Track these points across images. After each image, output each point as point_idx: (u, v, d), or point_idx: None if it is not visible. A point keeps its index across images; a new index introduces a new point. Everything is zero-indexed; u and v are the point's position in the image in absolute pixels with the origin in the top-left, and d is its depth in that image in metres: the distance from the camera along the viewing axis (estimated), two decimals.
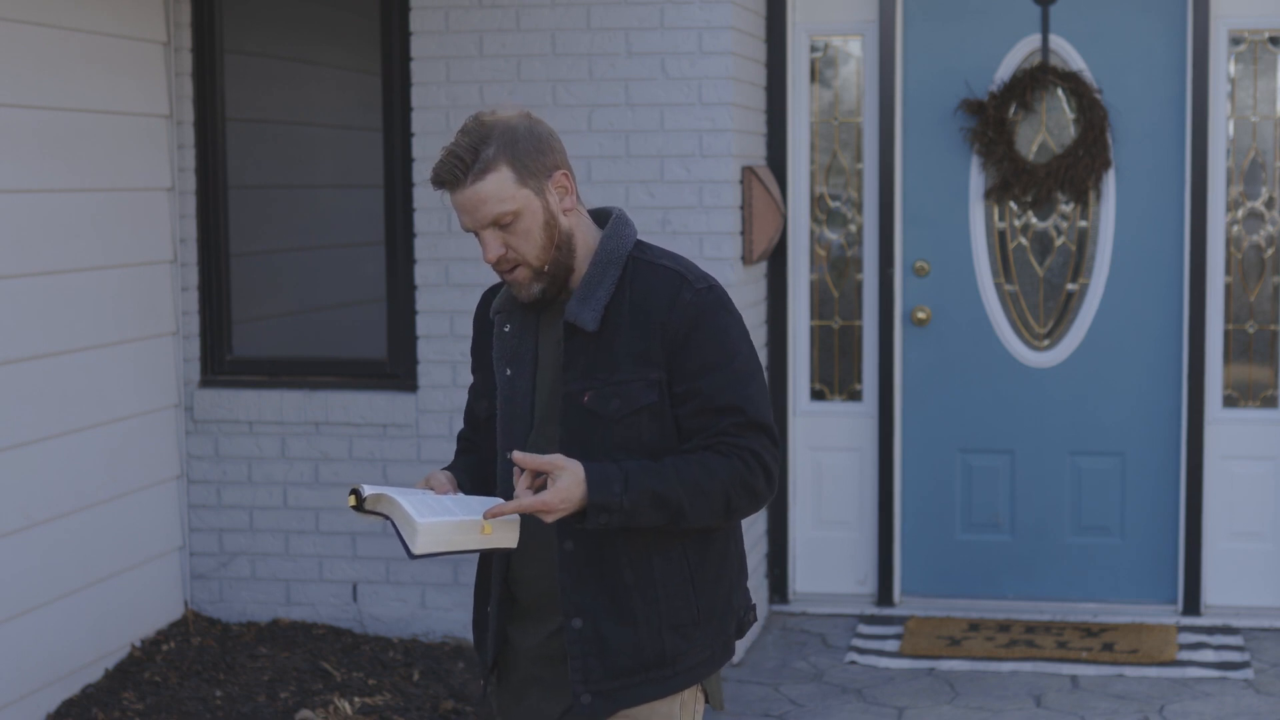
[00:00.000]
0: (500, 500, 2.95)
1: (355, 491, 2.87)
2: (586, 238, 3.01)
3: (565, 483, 2.80)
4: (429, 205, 6.02)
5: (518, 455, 2.82)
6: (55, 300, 5.39)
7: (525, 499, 2.80)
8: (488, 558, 3.12)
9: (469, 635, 6.09)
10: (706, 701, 3.12)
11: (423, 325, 6.07)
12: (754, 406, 2.95)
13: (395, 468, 6.09)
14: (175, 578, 6.14)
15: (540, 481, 2.84)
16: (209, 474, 6.21)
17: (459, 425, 6.04)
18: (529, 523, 2.95)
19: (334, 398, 6.12)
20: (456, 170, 2.91)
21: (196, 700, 5.37)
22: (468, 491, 3.08)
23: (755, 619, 3.18)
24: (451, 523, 2.83)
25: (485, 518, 2.83)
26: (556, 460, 2.82)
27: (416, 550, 2.80)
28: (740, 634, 3.13)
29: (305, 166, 6.54)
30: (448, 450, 6.03)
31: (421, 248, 6.04)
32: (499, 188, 2.90)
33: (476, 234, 2.95)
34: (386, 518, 2.88)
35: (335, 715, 5.25)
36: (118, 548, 5.72)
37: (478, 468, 3.16)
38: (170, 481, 6.09)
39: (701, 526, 2.94)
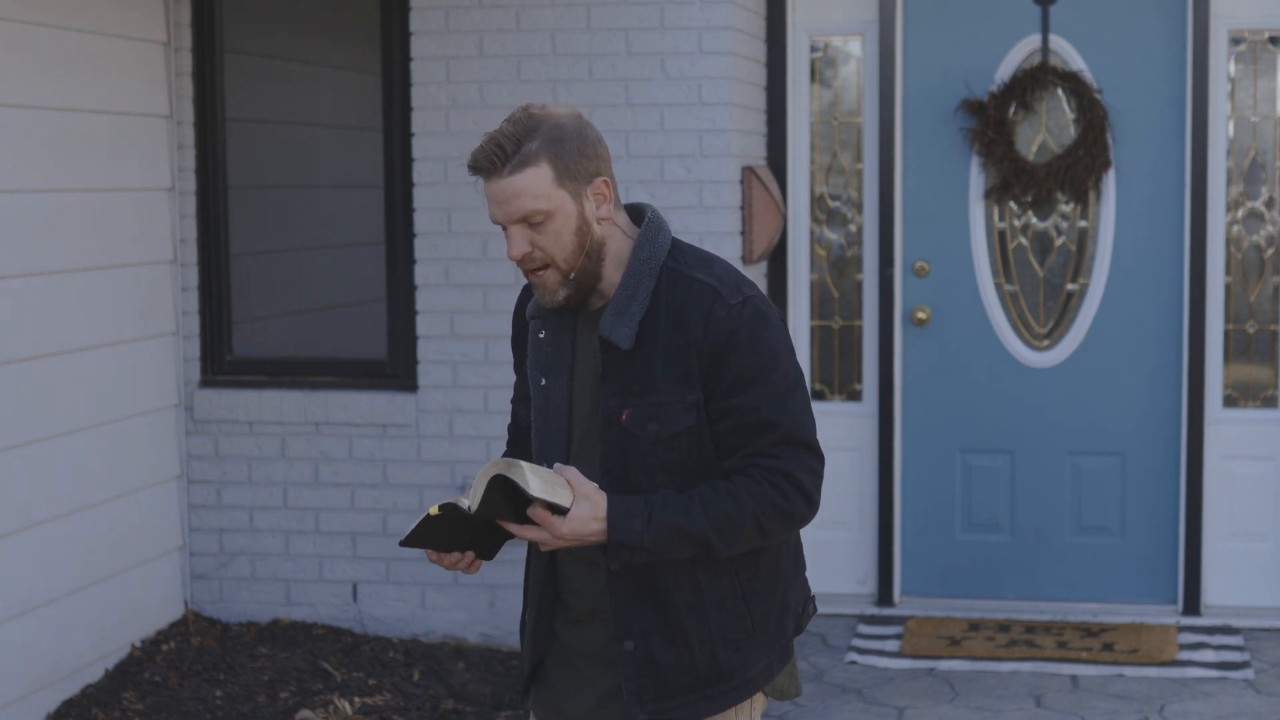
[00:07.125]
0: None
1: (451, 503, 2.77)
2: (618, 247, 2.89)
3: (580, 513, 2.73)
4: (429, 205, 6.02)
5: (559, 468, 2.75)
6: (55, 300, 5.38)
7: (529, 531, 2.75)
8: (531, 561, 3.04)
9: (469, 635, 6.09)
10: (782, 697, 3.03)
11: (423, 325, 6.07)
12: (791, 421, 2.83)
13: (395, 468, 6.09)
14: (175, 578, 6.14)
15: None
16: (209, 474, 6.21)
17: (459, 425, 6.04)
18: None
19: (334, 398, 6.12)
20: (495, 158, 2.78)
21: (196, 700, 5.37)
22: None
23: (816, 610, 3.08)
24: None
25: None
26: (584, 488, 2.74)
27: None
28: (799, 630, 3.04)
29: (305, 166, 6.54)
30: (448, 450, 6.04)
31: (421, 248, 6.04)
32: (535, 184, 2.78)
33: (504, 228, 2.84)
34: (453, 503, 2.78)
35: (335, 715, 5.25)
36: (118, 548, 5.72)
37: None
38: (170, 481, 6.09)
39: (736, 553, 2.86)
